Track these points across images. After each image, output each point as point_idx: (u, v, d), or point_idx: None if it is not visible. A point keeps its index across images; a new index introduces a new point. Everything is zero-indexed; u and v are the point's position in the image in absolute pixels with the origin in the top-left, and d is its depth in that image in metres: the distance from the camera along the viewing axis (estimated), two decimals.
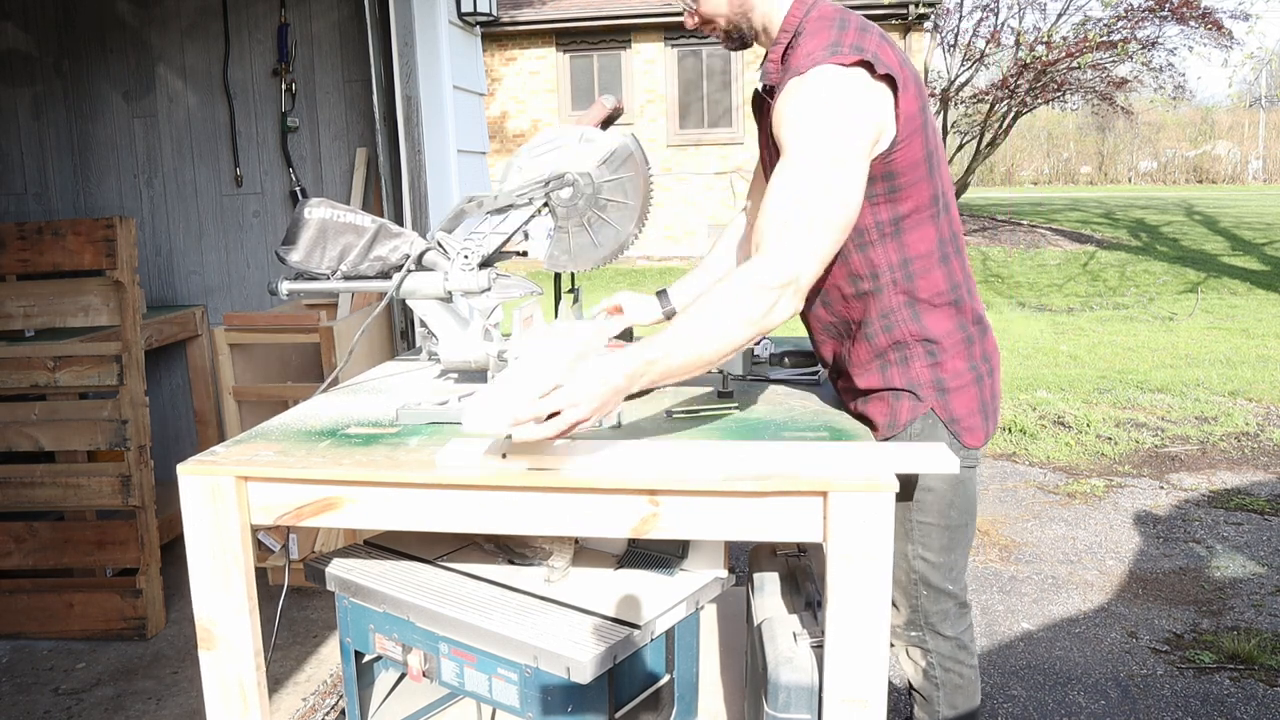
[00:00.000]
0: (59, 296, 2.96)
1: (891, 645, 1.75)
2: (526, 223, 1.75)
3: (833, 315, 1.68)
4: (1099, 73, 14.53)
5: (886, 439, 1.62)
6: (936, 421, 1.60)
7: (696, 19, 1.62)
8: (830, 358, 1.74)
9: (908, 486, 1.64)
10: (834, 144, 1.40)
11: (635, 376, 1.32)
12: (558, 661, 1.43)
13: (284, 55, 3.61)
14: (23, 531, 2.96)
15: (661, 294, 1.96)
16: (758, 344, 2.11)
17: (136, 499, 2.89)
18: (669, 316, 1.93)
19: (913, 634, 1.72)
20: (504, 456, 1.36)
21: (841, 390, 1.75)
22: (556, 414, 1.28)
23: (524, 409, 1.28)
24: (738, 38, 1.63)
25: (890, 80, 1.43)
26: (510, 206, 1.73)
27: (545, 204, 1.75)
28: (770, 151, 1.60)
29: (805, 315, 1.77)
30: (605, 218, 1.78)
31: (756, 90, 1.65)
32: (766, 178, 1.70)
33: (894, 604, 1.72)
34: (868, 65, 1.41)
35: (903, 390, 1.61)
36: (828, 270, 1.60)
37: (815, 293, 1.69)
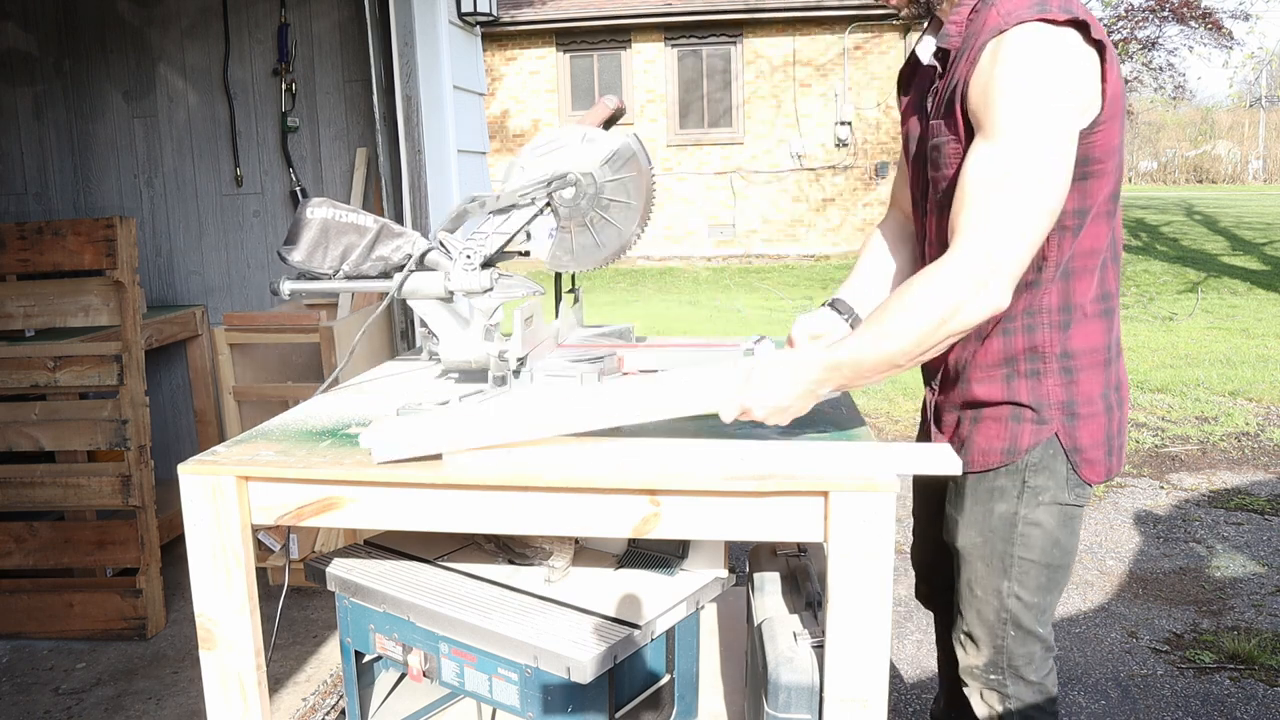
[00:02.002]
0: (59, 296, 2.96)
1: (965, 685, 1.61)
2: (529, 222, 1.75)
3: None
4: None
5: (994, 468, 1.47)
6: (1059, 451, 1.45)
7: None
8: (941, 364, 1.56)
9: (1011, 520, 1.49)
10: (1042, 116, 1.24)
11: (822, 382, 1.29)
12: (558, 661, 1.43)
13: (284, 55, 3.61)
14: (23, 531, 2.96)
15: (836, 303, 1.70)
16: (758, 342, 2.11)
17: (136, 499, 2.89)
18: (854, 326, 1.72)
19: (992, 677, 1.56)
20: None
21: (942, 405, 1.59)
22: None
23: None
24: (925, 2, 1.45)
25: (1100, 47, 1.27)
26: (513, 206, 1.73)
27: (548, 204, 1.75)
28: (927, 125, 1.47)
29: None
30: (608, 218, 1.78)
31: (909, 61, 1.53)
32: (909, 157, 1.57)
33: (974, 641, 1.57)
34: (1080, 26, 1.25)
35: (1026, 407, 1.45)
36: None
37: None
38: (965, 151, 1.35)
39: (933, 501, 1.74)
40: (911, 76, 1.58)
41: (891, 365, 1.28)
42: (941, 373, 1.59)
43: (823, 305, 1.72)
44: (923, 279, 1.27)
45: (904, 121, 1.60)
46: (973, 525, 1.53)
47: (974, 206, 1.26)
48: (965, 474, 1.51)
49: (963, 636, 1.59)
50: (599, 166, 1.75)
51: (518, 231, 1.73)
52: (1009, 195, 1.24)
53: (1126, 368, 1.58)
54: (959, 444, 1.53)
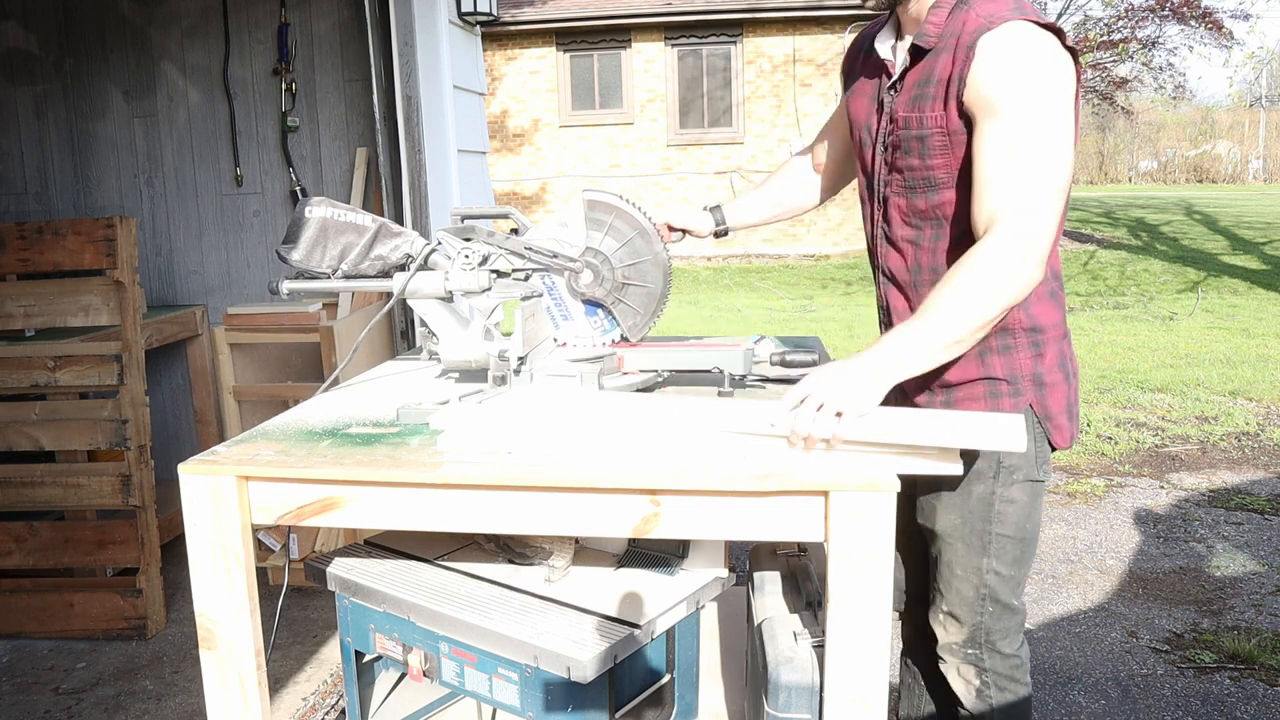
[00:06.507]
0: (59, 296, 2.96)
1: (942, 661, 1.68)
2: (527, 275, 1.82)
3: None
4: (1099, 72, 14.54)
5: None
6: (1032, 417, 1.54)
7: None
8: None
9: (989, 500, 1.57)
10: (1052, 103, 1.37)
11: (887, 364, 1.34)
12: (558, 661, 1.43)
13: (284, 55, 3.61)
14: (23, 531, 2.96)
15: (715, 209, 2.01)
16: (758, 342, 2.11)
17: (137, 499, 2.89)
18: (719, 234, 2.02)
19: (970, 651, 1.63)
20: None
21: (908, 387, 1.61)
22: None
23: (783, 422, 1.33)
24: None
25: (1072, 53, 1.41)
26: (520, 254, 1.79)
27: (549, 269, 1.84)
28: (893, 117, 1.54)
29: (901, 295, 1.65)
30: (627, 300, 1.88)
31: (864, 50, 1.62)
32: (859, 143, 1.66)
33: (955, 619, 1.63)
34: (1058, 32, 1.39)
35: (1002, 380, 1.54)
36: (950, 247, 1.53)
37: (926, 271, 1.59)
38: (953, 142, 1.45)
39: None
40: (858, 68, 1.68)
41: (955, 343, 1.35)
42: None
43: (707, 208, 2.01)
44: (974, 262, 1.35)
45: (851, 109, 1.70)
46: (952, 508, 1.60)
47: (1005, 190, 1.36)
48: None
49: (942, 616, 1.66)
50: (613, 253, 1.85)
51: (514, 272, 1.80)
52: (1037, 180, 1.36)
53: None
54: None
